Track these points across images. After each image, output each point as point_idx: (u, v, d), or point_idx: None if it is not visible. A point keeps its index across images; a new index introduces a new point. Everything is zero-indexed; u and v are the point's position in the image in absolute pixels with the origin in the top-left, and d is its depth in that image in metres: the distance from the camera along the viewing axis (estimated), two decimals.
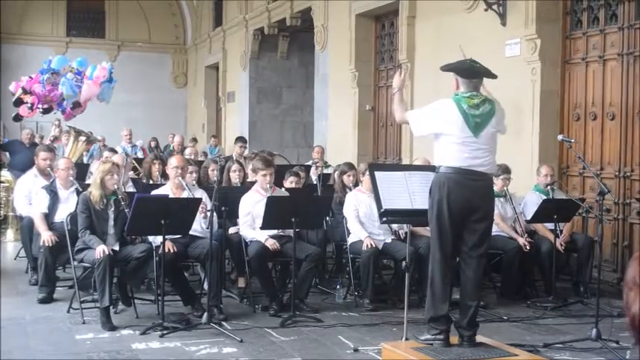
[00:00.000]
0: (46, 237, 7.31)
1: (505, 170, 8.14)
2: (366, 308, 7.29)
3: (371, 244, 7.38)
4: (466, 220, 5.28)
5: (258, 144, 17.91)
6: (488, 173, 5.38)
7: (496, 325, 6.70)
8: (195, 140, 19.64)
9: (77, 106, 12.94)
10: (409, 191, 5.72)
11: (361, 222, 7.66)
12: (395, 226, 7.69)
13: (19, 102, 12.75)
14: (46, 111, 12.90)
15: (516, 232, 8.05)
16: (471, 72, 5.36)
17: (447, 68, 5.48)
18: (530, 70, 9.36)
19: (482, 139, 5.28)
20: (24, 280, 8.46)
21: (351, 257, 7.74)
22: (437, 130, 5.32)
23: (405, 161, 11.51)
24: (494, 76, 5.46)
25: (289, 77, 19.28)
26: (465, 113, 5.27)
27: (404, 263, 5.90)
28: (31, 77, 12.81)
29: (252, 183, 7.97)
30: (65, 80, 12.54)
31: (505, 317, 7.00)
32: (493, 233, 7.62)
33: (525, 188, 8.65)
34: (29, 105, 12.61)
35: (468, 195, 5.23)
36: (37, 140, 15.24)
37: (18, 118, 13.16)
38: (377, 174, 5.76)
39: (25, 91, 12.63)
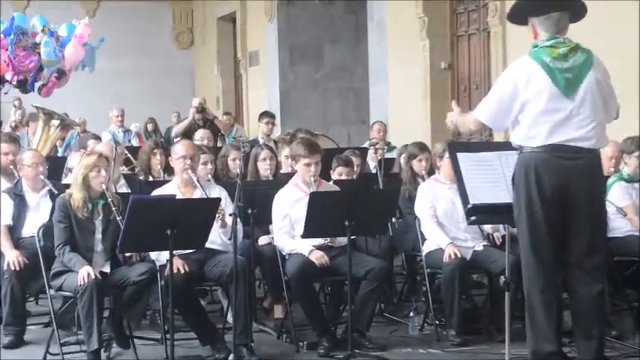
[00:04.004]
0: (12, 258, 7.35)
1: None
2: (451, 342, 7.27)
3: (455, 254, 7.35)
4: (567, 216, 5.27)
5: (294, 121, 17.87)
6: (593, 148, 5.36)
7: None
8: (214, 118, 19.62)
9: (62, 75, 13.01)
10: (506, 179, 5.72)
11: (440, 224, 7.64)
12: (488, 227, 7.66)
13: None
14: (21, 85, 12.91)
15: None
16: (547, 3, 5.30)
17: (514, 12, 5.46)
18: None
19: (578, 101, 5.28)
20: None
21: (428, 272, 7.72)
22: (517, 106, 5.34)
23: (499, 138, 11.39)
24: (581, 14, 5.41)
25: (333, 28, 19.18)
26: (549, 68, 5.28)
27: (502, 279, 5.88)
28: None
29: (289, 175, 7.99)
30: (48, 40, 12.56)
31: None
32: (625, 233, 7.58)
33: None
34: None
35: (564, 179, 5.25)
36: None
37: None
38: (460, 156, 5.80)
39: None
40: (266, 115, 13.22)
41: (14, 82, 12.65)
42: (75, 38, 12.84)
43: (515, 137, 5.43)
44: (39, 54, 12.61)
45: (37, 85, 12.92)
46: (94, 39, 13.40)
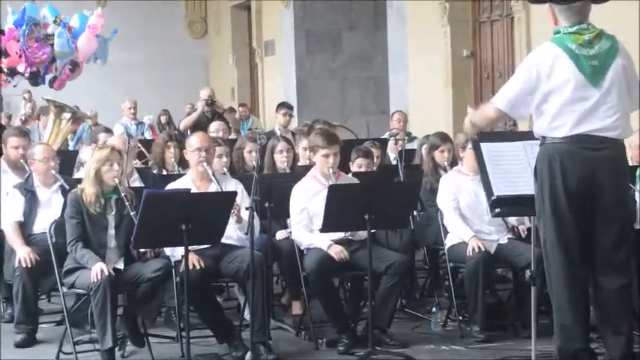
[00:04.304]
0: (23, 255, 7.36)
1: None
2: (475, 339, 7.26)
3: (479, 247, 7.33)
4: (592, 208, 5.26)
5: (311, 111, 17.87)
6: (618, 138, 5.35)
7: None
8: (231, 110, 19.58)
9: (76, 67, 13.01)
10: (531, 169, 5.70)
11: (463, 216, 7.64)
12: (513, 219, 7.65)
13: None
14: (33, 77, 12.92)
15: None
16: None
17: None
18: None
19: (605, 90, 5.26)
20: None
21: (450, 267, 7.73)
22: (541, 94, 5.31)
23: (523, 127, 11.36)
24: None
25: (351, 15, 19.16)
26: (575, 55, 5.25)
27: (528, 272, 5.96)
28: (0, 32, 12.87)
29: (307, 167, 7.99)
30: (62, 31, 12.55)
31: None
32: None
33: None
34: (7, 71, 12.64)
35: (589, 171, 5.23)
36: (2, 122, 15.46)
37: None
38: (484, 147, 5.83)
39: None
40: (283, 106, 13.22)
41: (27, 74, 12.64)
42: (88, 29, 12.82)
43: (539, 127, 5.40)
44: (51, 45, 12.61)
45: (48, 77, 12.92)
46: (105, 30, 13.40)
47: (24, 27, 12.54)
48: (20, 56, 12.51)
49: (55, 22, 12.82)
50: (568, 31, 5.28)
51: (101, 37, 13.08)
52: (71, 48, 12.65)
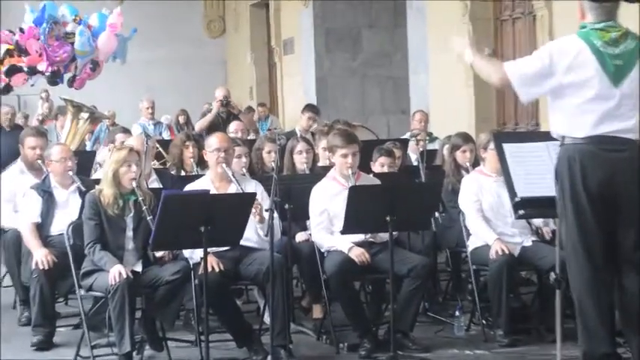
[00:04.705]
0: (40, 257, 7.41)
1: None
2: (499, 343, 7.28)
3: (502, 250, 7.34)
4: (614, 210, 5.27)
5: (330, 111, 17.80)
6: (637, 140, 5.35)
7: None
8: (250, 109, 19.60)
9: (97, 66, 13.06)
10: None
11: (486, 218, 7.65)
12: (537, 221, 7.66)
13: (12, 70, 12.82)
14: (54, 76, 12.94)
15: None
16: None
17: None
18: None
19: (625, 91, 5.26)
20: (11, 319, 8.55)
21: (473, 270, 7.74)
22: (554, 84, 5.33)
23: (546, 127, 11.34)
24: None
25: (371, 13, 19.12)
26: (600, 53, 5.24)
27: (552, 275, 5.85)
28: (19, 30, 12.87)
29: (327, 168, 8.02)
30: (83, 30, 12.57)
31: None
32: None
33: None
34: (27, 70, 12.66)
35: (610, 173, 5.24)
36: (19, 122, 15.48)
37: (6, 90, 13.25)
38: (506, 147, 5.85)
39: (9, 52, 12.68)
40: (310, 109, 12.83)
41: (48, 73, 12.68)
42: (109, 28, 12.87)
43: (558, 127, 5.42)
44: (72, 44, 12.65)
45: (67, 76, 12.97)
46: (124, 29, 13.46)
47: (44, 25, 12.54)
48: (40, 55, 12.52)
49: (74, 20, 12.85)
50: (595, 27, 5.27)
51: (120, 36, 13.12)
52: (92, 47, 12.64)
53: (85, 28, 12.58)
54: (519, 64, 5.52)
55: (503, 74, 5.52)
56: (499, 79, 5.59)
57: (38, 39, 12.46)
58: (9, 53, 12.65)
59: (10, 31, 12.88)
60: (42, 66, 12.51)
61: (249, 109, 19.48)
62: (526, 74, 5.43)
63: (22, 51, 12.59)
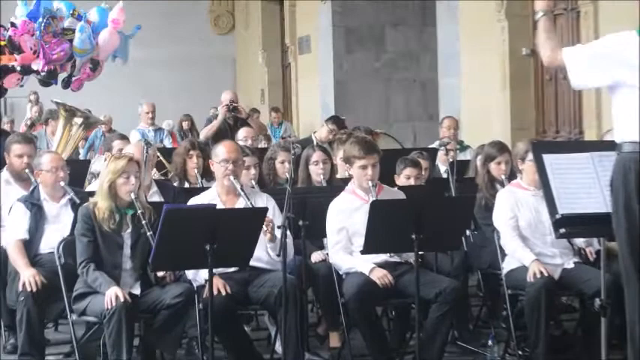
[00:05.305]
0: (28, 277, 7.36)
1: None
2: None
3: (541, 272, 7.28)
4: None
5: (350, 117, 17.82)
6: None
7: None
8: (255, 111, 19.61)
9: (97, 66, 13.03)
10: (601, 184, 5.72)
11: (523, 237, 7.61)
12: (580, 241, 7.65)
13: (4, 70, 12.80)
14: (50, 77, 12.88)
15: None
16: None
17: None
18: None
19: None
20: None
21: (509, 294, 7.69)
22: (612, 79, 5.36)
23: (591, 136, 11.30)
24: None
25: (396, 10, 19.24)
26: None
27: (597, 301, 5.90)
28: (11, 25, 12.83)
29: (346, 180, 7.98)
30: (84, 26, 12.52)
31: None
32: None
33: None
34: (20, 69, 12.60)
35: None
36: (5, 127, 15.55)
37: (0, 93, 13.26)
38: (546, 158, 5.79)
39: (0, 49, 12.65)
40: (335, 121, 12.47)
41: (43, 73, 12.62)
42: (111, 24, 12.81)
43: (617, 132, 5.42)
44: (69, 41, 12.59)
45: (61, 77, 12.91)
46: (125, 25, 13.44)
47: (40, 19, 12.49)
48: (35, 52, 12.46)
49: (72, 15, 12.79)
50: None
51: (121, 33, 13.08)
52: (92, 45, 12.61)
53: (86, 23, 12.52)
54: (576, 52, 5.58)
55: (557, 56, 5.61)
56: (550, 60, 5.68)
57: (33, 35, 12.37)
58: (0, 50, 12.61)
59: (1, 26, 12.81)
60: (37, 65, 12.44)
61: (254, 110, 19.41)
62: (583, 62, 5.48)
63: (15, 48, 12.49)
